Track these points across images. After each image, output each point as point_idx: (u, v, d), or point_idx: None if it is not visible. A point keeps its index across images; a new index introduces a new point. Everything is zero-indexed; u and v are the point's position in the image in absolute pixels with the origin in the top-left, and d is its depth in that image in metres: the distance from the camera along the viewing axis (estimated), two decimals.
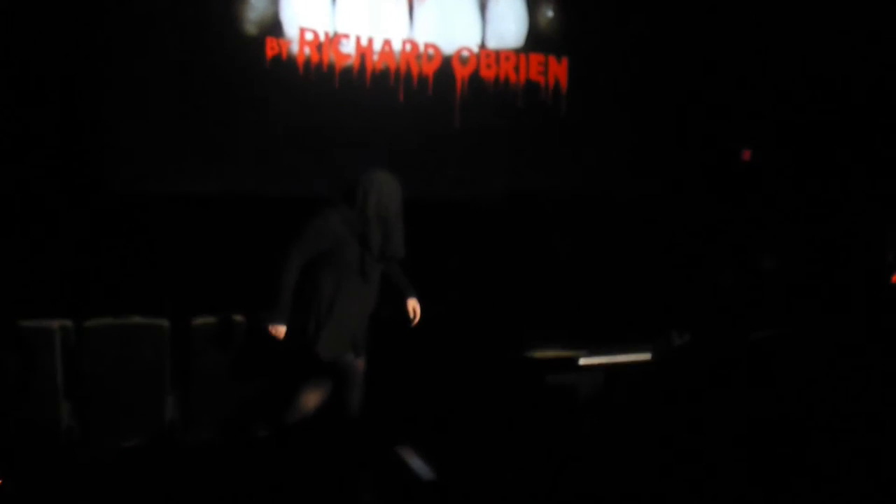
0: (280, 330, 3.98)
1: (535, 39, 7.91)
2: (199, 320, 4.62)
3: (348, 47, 7.17)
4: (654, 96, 8.34)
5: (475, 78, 7.70)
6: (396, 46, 7.34)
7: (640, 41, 8.27)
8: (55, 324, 4.36)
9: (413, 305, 4.34)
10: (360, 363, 4.14)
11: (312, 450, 4.19)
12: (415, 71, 7.44)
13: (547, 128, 7.94)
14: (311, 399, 4.18)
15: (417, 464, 3.87)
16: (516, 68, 7.89)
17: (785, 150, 8.24)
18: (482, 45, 7.70)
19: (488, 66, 7.76)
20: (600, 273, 7.47)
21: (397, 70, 7.37)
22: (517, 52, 7.85)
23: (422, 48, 7.44)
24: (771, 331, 2.87)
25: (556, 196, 7.79)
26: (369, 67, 7.26)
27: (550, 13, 8.02)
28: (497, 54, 7.78)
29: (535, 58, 7.96)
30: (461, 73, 7.66)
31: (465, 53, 7.64)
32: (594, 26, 8.10)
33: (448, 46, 7.56)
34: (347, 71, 7.17)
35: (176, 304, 4.87)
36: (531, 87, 7.93)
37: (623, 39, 8.22)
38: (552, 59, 8.01)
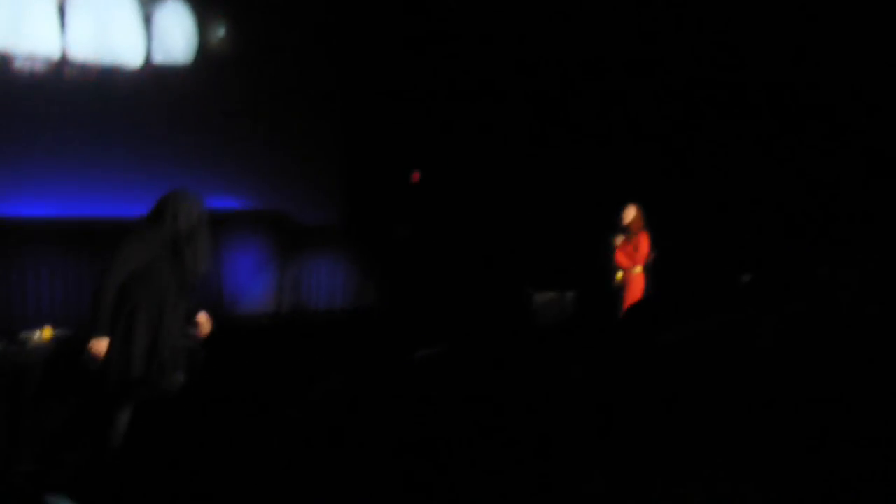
0: (102, 345, 3.91)
1: (206, 56, 7.69)
2: None
3: None
4: (330, 121, 8.56)
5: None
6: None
7: (317, 70, 8.45)
8: None
9: (204, 319, 4.34)
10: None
11: None
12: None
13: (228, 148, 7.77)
14: (126, 417, 4.01)
15: None
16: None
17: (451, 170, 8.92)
18: (147, 61, 7.30)
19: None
20: None
21: None
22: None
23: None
24: (433, 349, 3.01)
25: (237, 215, 7.66)
26: None
27: (222, 30, 7.86)
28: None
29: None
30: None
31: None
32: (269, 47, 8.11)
33: (109, 60, 7.04)
34: None
35: None
36: None
37: (302, 66, 8.33)
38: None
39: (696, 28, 8.26)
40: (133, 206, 6.89)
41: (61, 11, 6.73)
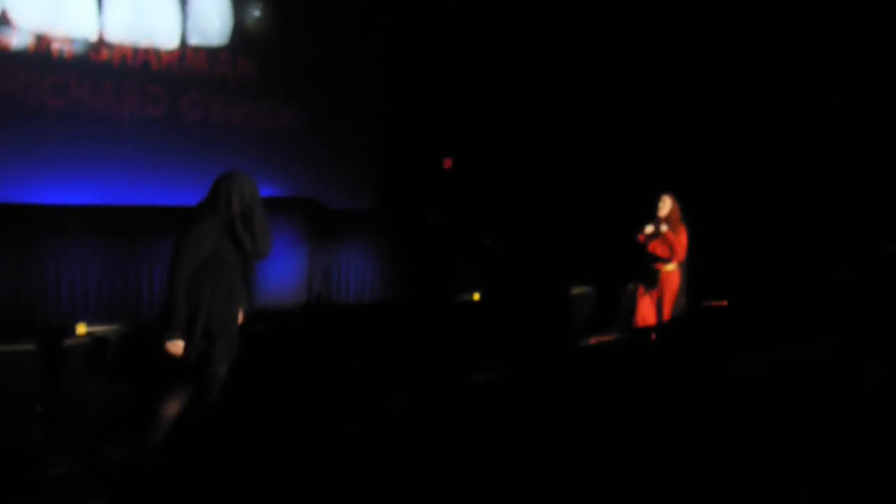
0: (179, 346, 3.89)
1: (242, 39, 7.60)
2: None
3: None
4: (363, 110, 8.45)
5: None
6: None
7: (354, 55, 8.33)
8: None
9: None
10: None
11: None
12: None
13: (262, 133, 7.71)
14: (173, 409, 4.03)
15: None
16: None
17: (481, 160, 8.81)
18: (183, 41, 7.23)
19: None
20: None
21: None
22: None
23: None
24: (491, 373, 2.78)
25: (270, 202, 7.57)
26: None
27: (257, 13, 7.76)
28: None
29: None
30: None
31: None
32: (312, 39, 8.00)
33: (144, 42, 6.98)
34: None
35: None
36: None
37: (339, 51, 8.22)
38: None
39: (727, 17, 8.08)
40: (165, 193, 6.97)
41: None
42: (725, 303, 6.43)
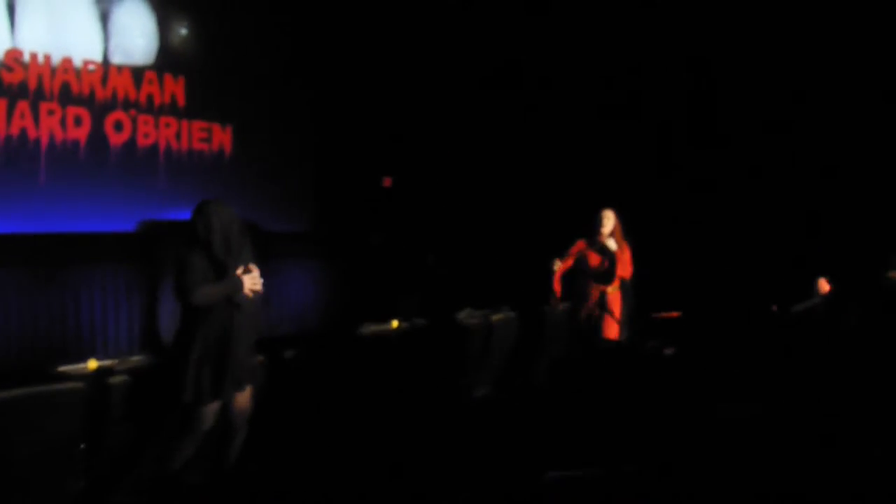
0: (246, 278, 3.90)
1: (170, 59, 7.29)
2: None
3: None
4: (297, 130, 8.23)
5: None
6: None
7: (289, 80, 8.13)
8: None
9: None
10: (242, 398, 3.98)
11: None
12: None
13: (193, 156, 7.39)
14: (189, 449, 3.90)
15: None
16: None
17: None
18: (105, 60, 6.87)
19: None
20: None
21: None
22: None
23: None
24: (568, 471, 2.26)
25: None
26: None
27: (183, 31, 7.46)
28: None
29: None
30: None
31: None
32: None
33: (63, 61, 6.59)
34: None
35: None
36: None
37: (274, 76, 7.98)
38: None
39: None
40: (91, 219, 6.60)
41: (10, 8, 6.26)
42: (677, 314, 6.28)
